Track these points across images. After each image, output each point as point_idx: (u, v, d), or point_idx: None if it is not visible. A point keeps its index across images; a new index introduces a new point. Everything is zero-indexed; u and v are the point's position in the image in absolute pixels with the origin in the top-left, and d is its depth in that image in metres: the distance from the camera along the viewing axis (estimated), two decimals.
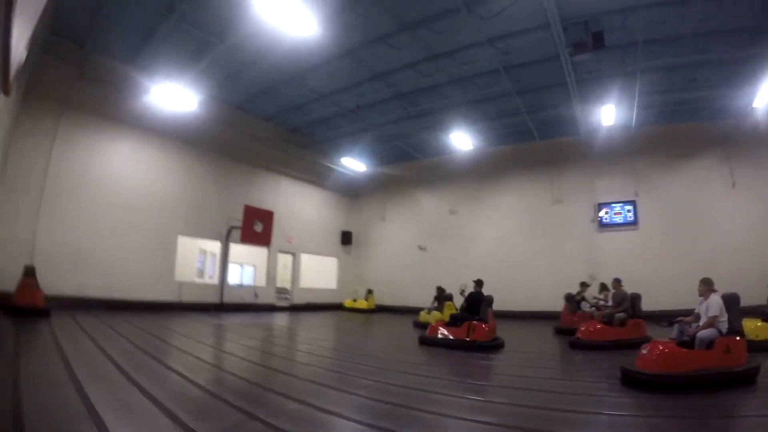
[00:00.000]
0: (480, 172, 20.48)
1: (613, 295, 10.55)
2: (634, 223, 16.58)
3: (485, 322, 9.12)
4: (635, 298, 10.05)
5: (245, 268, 24.07)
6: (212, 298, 17.08)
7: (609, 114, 14.05)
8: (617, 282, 10.62)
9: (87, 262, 13.41)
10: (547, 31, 10.91)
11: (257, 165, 19.90)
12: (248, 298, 18.77)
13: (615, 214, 16.99)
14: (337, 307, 21.93)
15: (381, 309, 21.20)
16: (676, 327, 6.42)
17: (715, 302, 6.01)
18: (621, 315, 9.56)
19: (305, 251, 22.06)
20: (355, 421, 3.86)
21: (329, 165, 20.89)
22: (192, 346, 8.18)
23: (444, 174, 21.47)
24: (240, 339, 9.58)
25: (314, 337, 11.12)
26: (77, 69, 12.97)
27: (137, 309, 13.88)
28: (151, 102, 13.57)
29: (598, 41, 10.16)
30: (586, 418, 4.18)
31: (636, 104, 13.85)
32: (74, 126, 13.69)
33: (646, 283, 13.85)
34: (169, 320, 12.21)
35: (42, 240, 12.57)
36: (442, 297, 14.52)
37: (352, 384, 5.42)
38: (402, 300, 20.96)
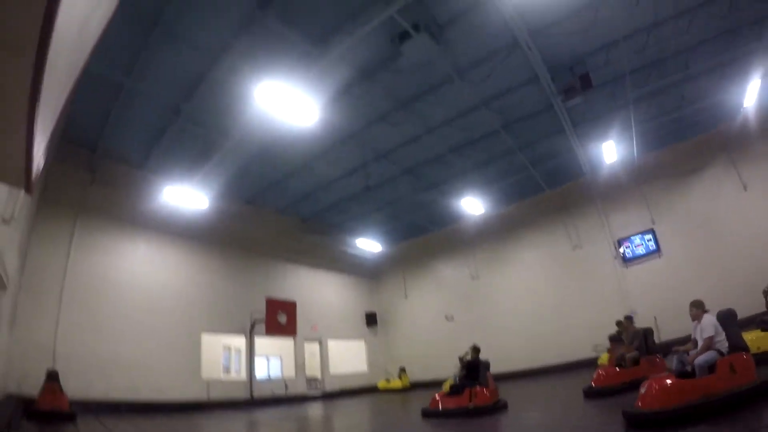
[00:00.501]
0: (495, 233, 20.50)
1: (626, 333, 10.22)
2: (656, 251, 16.24)
3: (486, 386, 9.15)
4: (647, 334, 9.75)
5: (271, 361, 23.55)
6: (241, 394, 16.51)
7: (610, 150, 14.25)
8: (628, 319, 10.44)
9: (110, 364, 13.07)
10: (537, 84, 11.46)
11: (274, 256, 20.02)
12: (279, 391, 18.17)
13: (636, 246, 16.67)
14: (372, 390, 21.12)
15: (416, 386, 20.43)
16: (674, 358, 6.03)
17: (708, 323, 5.76)
18: (632, 354, 9.25)
19: (331, 337, 21.58)
20: None
21: (345, 249, 20.99)
22: None
23: (460, 241, 21.50)
24: None
25: (353, 423, 10.70)
26: (90, 174, 13.56)
27: (166, 410, 13.39)
28: (164, 203, 13.87)
29: (585, 83, 10.65)
30: None
31: (634, 134, 14.00)
32: (90, 229, 13.87)
33: (679, 309, 13.61)
34: (200, 419, 11.91)
35: (63, 343, 12.32)
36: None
37: None
38: (436, 373, 20.12)
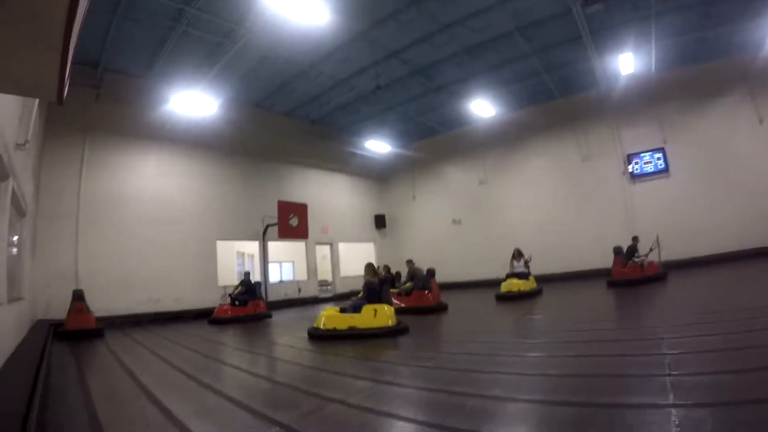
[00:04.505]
0: (505, 138, 20.21)
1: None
2: (665, 170, 16.14)
3: (262, 300, 14.07)
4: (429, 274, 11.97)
5: (284, 266, 24.40)
6: None
7: (628, 62, 13.61)
8: (409, 262, 13.37)
9: (131, 279, 13.83)
10: None
11: (284, 161, 20.17)
12: (292, 294, 19.07)
13: (645, 163, 16.53)
14: None
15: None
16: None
17: None
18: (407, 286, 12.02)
19: (342, 240, 22.26)
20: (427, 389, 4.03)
21: (354, 151, 20.80)
22: (248, 344, 8.50)
23: (469, 145, 21.25)
24: (294, 332, 9.71)
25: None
26: (94, 90, 13.11)
27: (186, 318, 14.34)
28: (171, 112, 13.73)
29: None
30: None
31: (654, 49, 13.28)
32: (100, 147, 13.97)
33: (682, 230, 14.77)
34: (220, 324, 12.43)
35: (84, 263, 12.96)
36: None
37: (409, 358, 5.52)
38: (445, 276, 20.89)
